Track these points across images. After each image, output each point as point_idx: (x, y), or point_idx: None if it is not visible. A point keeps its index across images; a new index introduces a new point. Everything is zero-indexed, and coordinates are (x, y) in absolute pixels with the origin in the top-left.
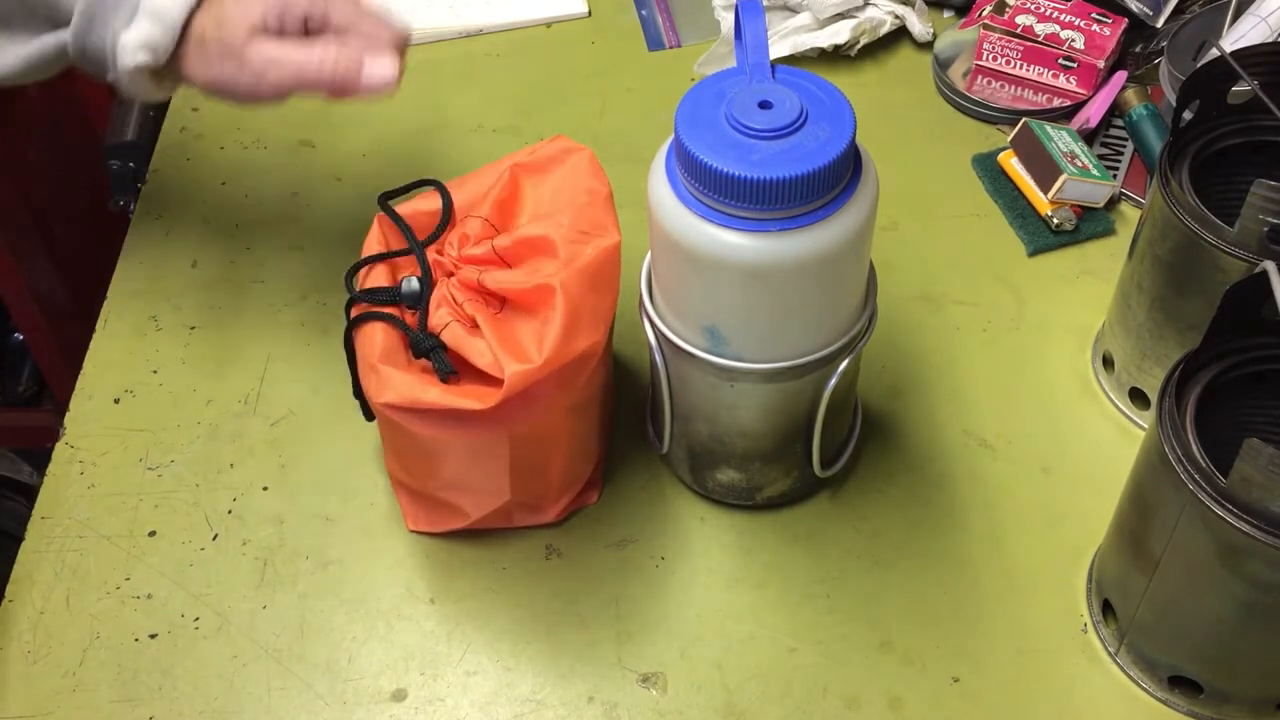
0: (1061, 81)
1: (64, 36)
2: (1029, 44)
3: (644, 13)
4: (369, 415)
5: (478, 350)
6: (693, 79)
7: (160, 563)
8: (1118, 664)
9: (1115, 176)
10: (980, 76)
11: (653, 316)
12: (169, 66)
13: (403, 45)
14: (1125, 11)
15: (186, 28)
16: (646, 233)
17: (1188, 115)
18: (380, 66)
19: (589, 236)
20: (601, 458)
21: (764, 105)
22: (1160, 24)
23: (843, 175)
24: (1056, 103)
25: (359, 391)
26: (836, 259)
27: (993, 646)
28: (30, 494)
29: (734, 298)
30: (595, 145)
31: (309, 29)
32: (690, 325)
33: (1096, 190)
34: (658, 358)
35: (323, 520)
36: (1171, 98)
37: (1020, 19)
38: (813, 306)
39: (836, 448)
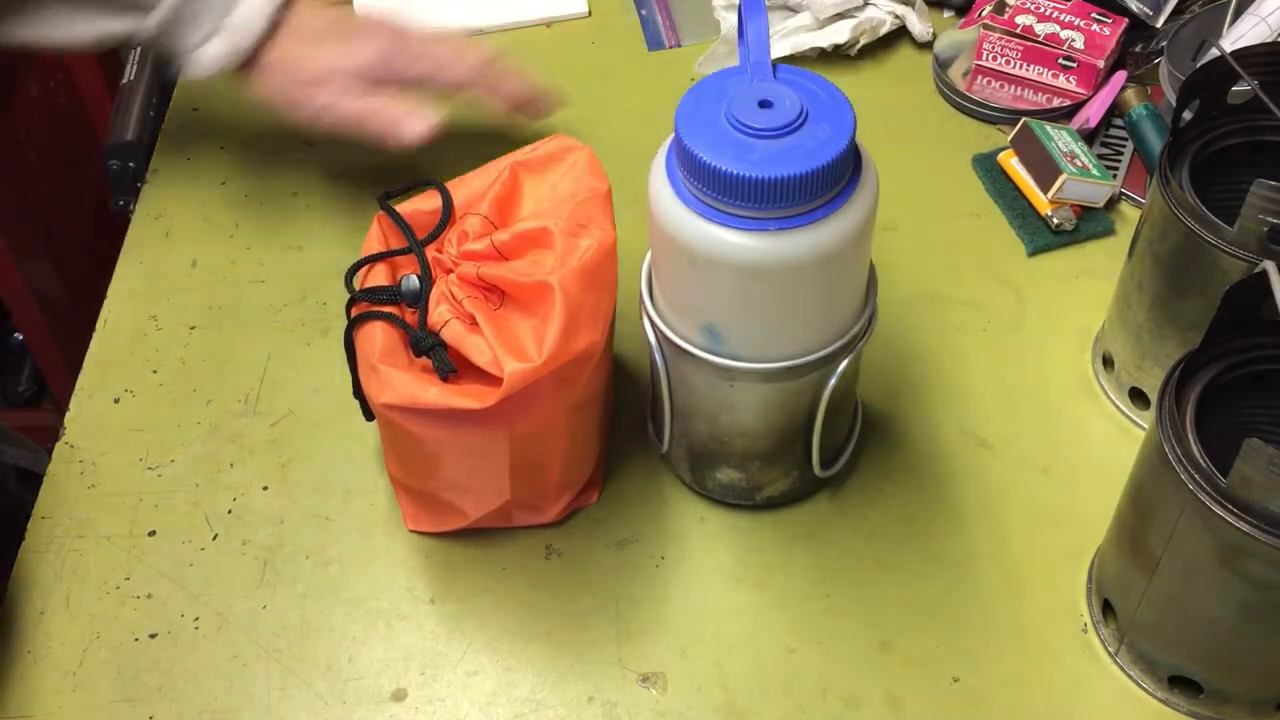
0: (1061, 81)
1: (138, 24)
2: (1029, 44)
3: (644, 13)
4: (369, 415)
5: (477, 348)
6: (693, 79)
7: (160, 563)
8: (1118, 664)
9: (1115, 176)
10: (980, 76)
11: (653, 316)
12: (235, 72)
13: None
14: (1125, 11)
15: (260, 52)
16: (646, 233)
17: (1188, 115)
18: (413, 122)
19: (585, 229)
20: (601, 457)
21: (764, 104)
22: (1160, 24)
23: (843, 175)
24: (1056, 103)
25: (359, 391)
26: (836, 258)
27: (993, 646)
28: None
29: (734, 297)
30: (595, 145)
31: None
32: (690, 325)
33: (1096, 190)
34: (658, 357)
35: (323, 520)
36: (1171, 98)
37: (1020, 19)
38: (813, 306)
39: (836, 448)
